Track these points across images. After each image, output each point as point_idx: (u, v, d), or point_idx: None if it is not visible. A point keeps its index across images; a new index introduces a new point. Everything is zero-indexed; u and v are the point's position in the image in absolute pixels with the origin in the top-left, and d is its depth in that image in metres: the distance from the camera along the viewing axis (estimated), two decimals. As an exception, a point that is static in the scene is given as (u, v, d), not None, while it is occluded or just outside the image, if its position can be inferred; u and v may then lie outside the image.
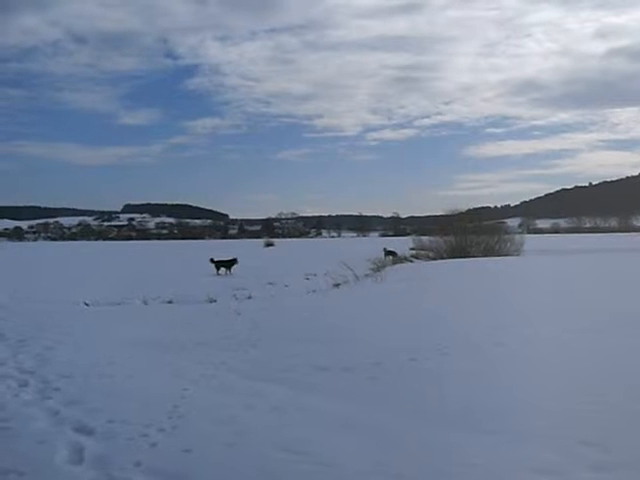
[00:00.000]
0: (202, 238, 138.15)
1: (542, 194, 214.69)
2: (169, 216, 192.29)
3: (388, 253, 34.77)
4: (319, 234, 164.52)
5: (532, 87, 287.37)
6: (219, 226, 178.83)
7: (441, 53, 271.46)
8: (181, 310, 13.17)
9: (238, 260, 25.79)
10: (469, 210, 40.34)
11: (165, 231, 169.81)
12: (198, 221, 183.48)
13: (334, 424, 4.85)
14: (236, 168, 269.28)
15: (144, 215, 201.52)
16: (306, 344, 8.30)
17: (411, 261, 31.77)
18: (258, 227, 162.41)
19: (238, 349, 8.07)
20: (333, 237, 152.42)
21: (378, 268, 24.79)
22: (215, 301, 14.94)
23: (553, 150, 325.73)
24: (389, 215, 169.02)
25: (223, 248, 46.01)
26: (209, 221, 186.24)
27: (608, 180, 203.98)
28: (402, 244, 39.76)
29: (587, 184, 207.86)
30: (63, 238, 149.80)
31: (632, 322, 8.86)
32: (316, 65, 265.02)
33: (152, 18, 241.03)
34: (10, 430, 4.95)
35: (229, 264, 25.80)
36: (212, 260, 26.14)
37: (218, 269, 25.58)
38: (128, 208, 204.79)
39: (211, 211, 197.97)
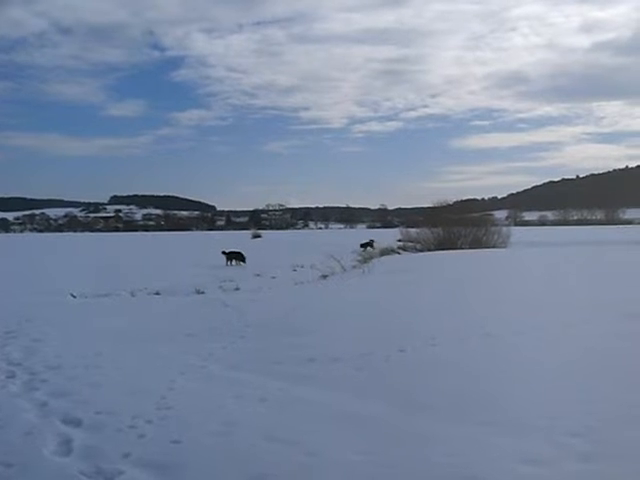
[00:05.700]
0: (189, 229, 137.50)
1: (529, 186, 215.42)
2: (156, 207, 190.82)
3: (364, 245, 35.03)
4: (306, 226, 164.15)
5: (518, 80, 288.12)
6: (206, 217, 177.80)
7: (427, 46, 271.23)
8: (169, 301, 13.13)
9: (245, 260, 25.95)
10: (456, 202, 40.46)
11: (152, 222, 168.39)
12: (185, 212, 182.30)
13: (323, 415, 4.87)
14: (223, 160, 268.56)
15: (131, 206, 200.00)
16: (294, 335, 8.30)
17: (399, 253, 31.83)
18: (245, 218, 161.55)
19: (226, 340, 8.05)
20: (320, 229, 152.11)
21: (365, 260, 24.85)
22: (203, 293, 14.92)
23: (539, 143, 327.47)
24: (376, 207, 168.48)
25: (211, 240, 45.83)
26: (196, 212, 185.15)
27: (595, 173, 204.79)
28: (390, 236, 39.79)
29: (574, 177, 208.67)
30: (49, 230, 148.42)
31: (621, 313, 8.91)
32: (302, 58, 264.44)
33: (138, 10, 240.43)
34: (-3, 422, 4.92)
35: (240, 257, 26.09)
36: (224, 252, 26.48)
37: (230, 260, 25.93)
38: (115, 199, 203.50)
39: (198, 202, 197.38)
